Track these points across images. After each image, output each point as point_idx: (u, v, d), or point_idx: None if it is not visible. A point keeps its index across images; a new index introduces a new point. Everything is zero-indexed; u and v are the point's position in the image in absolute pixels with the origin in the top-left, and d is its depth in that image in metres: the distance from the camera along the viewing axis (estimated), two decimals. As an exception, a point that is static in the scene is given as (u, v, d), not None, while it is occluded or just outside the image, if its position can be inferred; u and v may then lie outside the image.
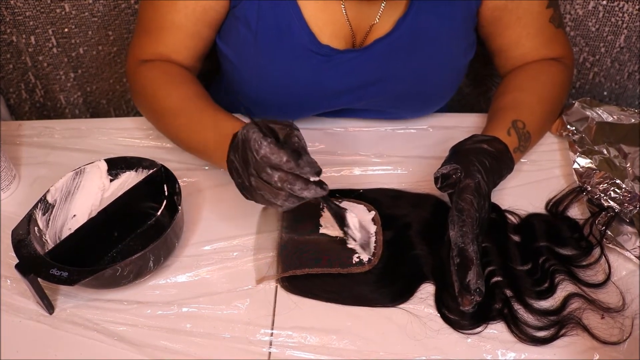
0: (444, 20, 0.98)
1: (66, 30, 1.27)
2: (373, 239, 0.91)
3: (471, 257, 0.81)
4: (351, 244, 0.88)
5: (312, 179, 0.76)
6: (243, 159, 0.78)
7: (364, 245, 0.88)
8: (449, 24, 0.99)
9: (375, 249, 0.89)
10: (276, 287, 0.86)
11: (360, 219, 0.89)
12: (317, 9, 0.96)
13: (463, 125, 1.10)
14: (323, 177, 1.00)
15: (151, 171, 0.92)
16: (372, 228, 0.92)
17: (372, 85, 1.02)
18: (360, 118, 1.13)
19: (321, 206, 0.94)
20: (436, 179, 0.89)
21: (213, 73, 1.16)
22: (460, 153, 0.90)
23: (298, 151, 0.76)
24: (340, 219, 0.86)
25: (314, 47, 0.97)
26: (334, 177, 1.02)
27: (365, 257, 0.88)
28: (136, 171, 0.94)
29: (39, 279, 0.79)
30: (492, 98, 1.07)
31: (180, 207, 0.86)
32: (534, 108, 1.01)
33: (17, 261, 0.79)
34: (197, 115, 0.94)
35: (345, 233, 0.87)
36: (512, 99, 1.02)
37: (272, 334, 0.81)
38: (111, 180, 0.95)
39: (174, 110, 0.96)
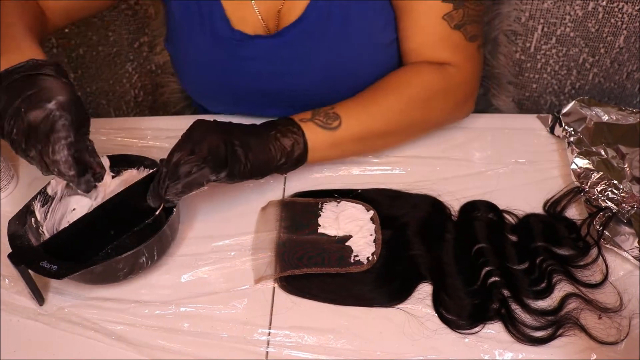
0: (352, 1, 0.97)
1: (66, 30, 1.27)
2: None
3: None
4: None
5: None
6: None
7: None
8: (358, 3, 0.97)
9: (374, 246, 0.89)
10: (274, 287, 0.86)
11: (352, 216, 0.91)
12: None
13: (460, 125, 1.10)
14: (322, 177, 1.02)
15: (152, 170, 0.93)
16: (371, 227, 0.92)
17: (293, 73, 1.02)
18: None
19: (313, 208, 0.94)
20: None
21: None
22: None
23: None
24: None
25: (227, 32, 1.00)
26: (332, 176, 1.02)
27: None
28: (138, 169, 0.95)
29: (30, 271, 0.80)
30: None
31: (175, 208, 0.87)
32: (356, 97, 0.97)
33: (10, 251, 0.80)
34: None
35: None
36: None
37: (269, 334, 0.81)
38: (113, 177, 0.95)
39: None
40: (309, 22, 0.98)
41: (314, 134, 0.92)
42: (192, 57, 1.04)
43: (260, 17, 1.00)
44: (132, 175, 0.95)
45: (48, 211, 0.89)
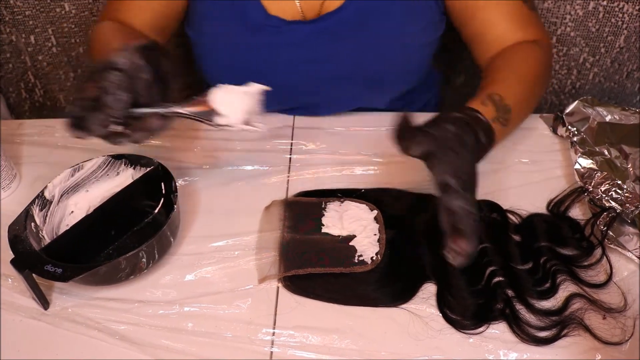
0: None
1: (66, 29, 1.27)
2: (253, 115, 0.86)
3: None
4: (233, 128, 0.84)
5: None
6: None
7: (249, 121, 0.85)
8: (401, 1, 0.98)
9: (378, 246, 0.89)
10: (278, 286, 0.86)
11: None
12: None
13: (464, 125, 1.10)
14: (326, 176, 1.02)
15: (148, 169, 0.92)
16: (375, 227, 0.92)
17: (327, 60, 1.03)
18: (337, 113, 1.13)
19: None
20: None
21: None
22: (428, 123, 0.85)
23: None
24: (204, 114, 0.84)
25: (263, 18, 0.99)
26: (335, 176, 1.02)
27: (261, 127, 0.85)
28: (134, 169, 0.95)
29: (33, 275, 0.79)
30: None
31: (176, 206, 0.86)
32: (511, 83, 0.97)
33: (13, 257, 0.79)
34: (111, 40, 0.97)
35: (213, 124, 0.84)
36: (489, 80, 0.98)
37: (273, 334, 0.81)
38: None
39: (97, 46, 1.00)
40: (348, 13, 0.98)
41: (497, 133, 0.90)
42: (220, 43, 1.03)
43: (300, 8, 1.01)
44: (128, 175, 0.95)
45: (47, 215, 0.89)
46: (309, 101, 1.11)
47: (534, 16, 1.05)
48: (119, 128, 0.79)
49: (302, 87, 1.08)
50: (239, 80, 1.05)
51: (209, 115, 0.83)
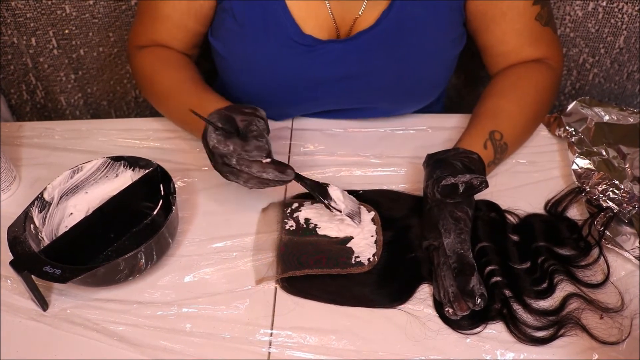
0: (429, 12, 0.98)
1: (67, 31, 1.27)
2: (363, 209, 0.94)
3: (472, 263, 0.82)
4: (338, 216, 0.90)
5: (264, 160, 0.84)
6: (206, 147, 0.87)
7: (353, 215, 0.90)
8: (433, 15, 0.98)
9: (375, 247, 0.89)
10: (275, 287, 0.86)
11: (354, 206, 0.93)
12: (300, 2, 0.98)
13: (462, 126, 1.09)
14: (324, 177, 1.02)
15: (147, 171, 0.93)
16: (372, 228, 0.92)
17: (358, 77, 1.02)
18: (352, 119, 1.14)
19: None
20: (456, 187, 0.87)
21: (213, 73, 1.17)
22: (446, 163, 0.91)
23: (247, 137, 0.85)
24: (320, 194, 0.89)
25: (297, 37, 0.99)
26: (334, 177, 1.02)
27: (356, 222, 0.91)
28: (133, 170, 0.95)
29: (32, 276, 0.80)
30: (478, 100, 1.07)
31: (174, 207, 0.87)
32: (514, 117, 1.00)
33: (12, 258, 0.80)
34: (185, 97, 0.99)
35: (328, 206, 0.89)
36: (493, 105, 1.02)
37: (271, 334, 0.81)
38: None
39: (166, 94, 1.02)
40: (381, 30, 0.98)
41: (488, 171, 0.97)
42: (251, 61, 1.03)
43: (335, 25, 1.01)
44: (127, 177, 0.95)
45: (46, 216, 0.89)
46: (338, 110, 1.12)
47: (547, 33, 1.05)
48: (267, 159, 0.85)
49: (333, 101, 1.09)
50: (268, 98, 1.06)
51: (324, 196, 0.90)
